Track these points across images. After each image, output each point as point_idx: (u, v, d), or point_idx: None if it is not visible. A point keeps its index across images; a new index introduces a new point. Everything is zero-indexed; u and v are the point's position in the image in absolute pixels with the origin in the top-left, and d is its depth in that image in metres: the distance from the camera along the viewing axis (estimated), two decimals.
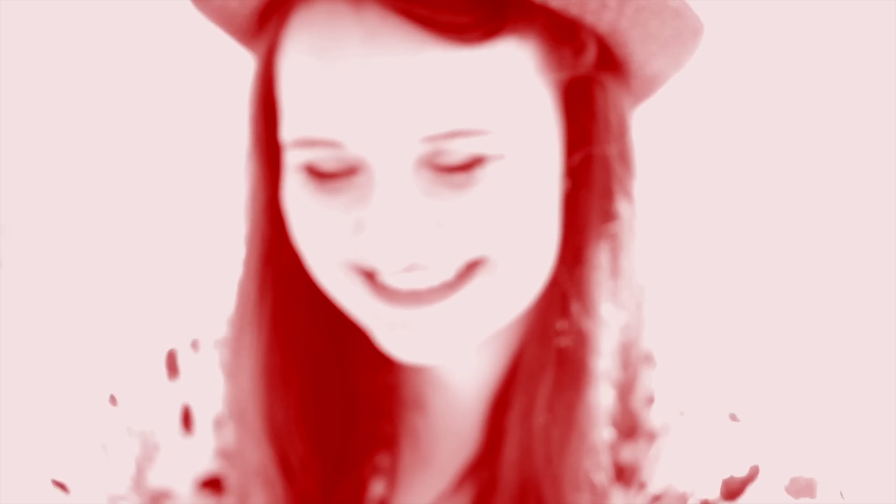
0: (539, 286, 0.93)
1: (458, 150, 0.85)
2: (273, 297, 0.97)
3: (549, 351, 0.93)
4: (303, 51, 0.85)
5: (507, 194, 0.88)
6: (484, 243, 0.89)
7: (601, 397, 0.93)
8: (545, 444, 0.94)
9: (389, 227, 0.86)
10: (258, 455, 1.01)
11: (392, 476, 1.05)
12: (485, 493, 0.98)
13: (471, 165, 0.86)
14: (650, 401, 0.97)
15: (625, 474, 0.97)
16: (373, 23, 0.83)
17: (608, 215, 0.92)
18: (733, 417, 0.95)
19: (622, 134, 0.92)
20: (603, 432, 0.94)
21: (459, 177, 0.87)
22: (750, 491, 0.91)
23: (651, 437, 0.96)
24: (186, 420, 1.09)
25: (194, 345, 1.10)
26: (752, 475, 0.92)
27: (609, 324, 0.93)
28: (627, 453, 0.97)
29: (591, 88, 0.91)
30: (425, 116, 0.84)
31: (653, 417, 0.96)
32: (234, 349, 1.00)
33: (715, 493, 0.92)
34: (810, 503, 0.91)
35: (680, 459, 0.94)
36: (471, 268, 0.90)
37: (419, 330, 0.90)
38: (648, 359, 0.98)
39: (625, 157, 0.92)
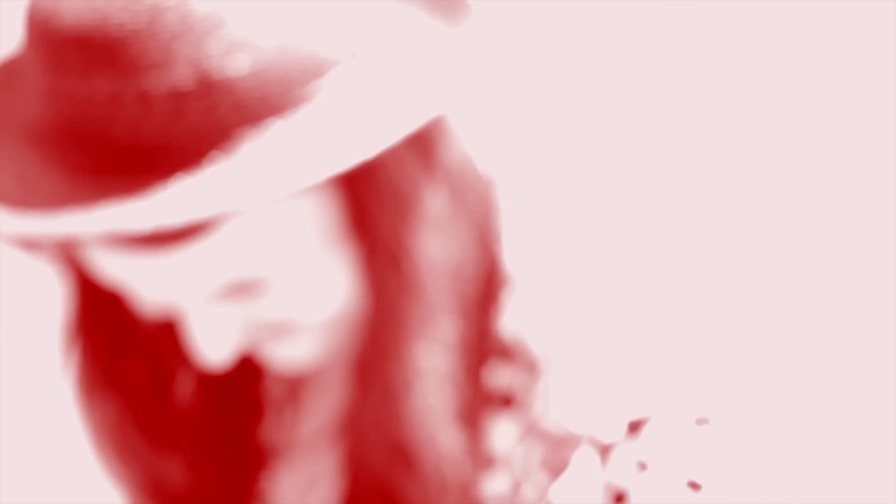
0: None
1: (241, 286, 0.93)
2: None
3: (385, 328, 0.97)
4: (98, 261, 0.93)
5: (307, 286, 0.95)
6: (291, 321, 0.97)
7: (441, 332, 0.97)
8: (379, 409, 0.98)
9: (201, 342, 0.95)
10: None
11: (281, 417, 1.11)
12: (353, 450, 1.02)
13: (257, 287, 0.94)
14: (522, 325, 0.99)
15: (505, 400, 0.99)
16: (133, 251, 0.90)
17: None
18: (630, 354, 0.97)
19: (395, 180, 0.94)
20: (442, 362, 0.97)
21: (253, 293, 0.94)
22: (648, 429, 0.94)
23: (533, 366, 0.98)
24: None
25: None
26: (650, 413, 0.94)
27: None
28: (505, 378, 0.99)
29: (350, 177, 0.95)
30: (194, 284, 0.91)
31: (531, 344, 0.98)
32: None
33: (614, 432, 0.94)
34: (706, 440, 0.94)
35: (575, 398, 0.96)
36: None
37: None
38: (511, 288, 1.00)
39: (407, 199, 0.95)
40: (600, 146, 2.42)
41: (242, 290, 0.94)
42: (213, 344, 0.95)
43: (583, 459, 0.95)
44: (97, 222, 0.84)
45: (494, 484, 0.99)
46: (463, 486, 0.98)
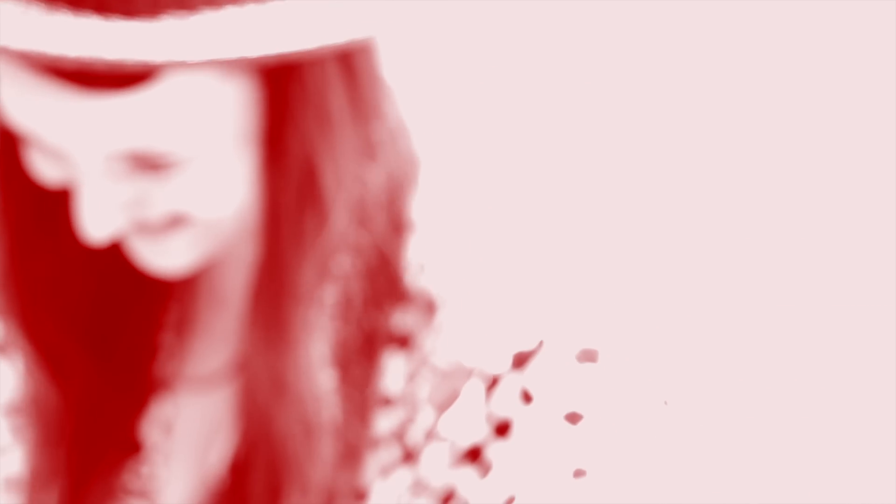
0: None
1: (144, 159, 0.92)
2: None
3: (281, 238, 0.96)
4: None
5: (207, 179, 0.94)
6: (188, 211, 0.95)
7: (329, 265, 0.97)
8: (266, 337, 0.98)
9: (84, 213, 0.93)
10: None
11: (177, 343, 1.10)
12: (243, 384, 1.02)
13: (162, 167, 0.92)
14: (422, 267, 1.01)
15: (399, 340, 1.00)
16: (49, 80, 0.89)
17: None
18: (518, 289, 0.99)
19: (319, 88, 0.94)
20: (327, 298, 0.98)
21: (155, 171, 0.93)
22: (536, 362, 0.96)
23: (429, 305, 1.00)
24: None
25: None
26: (538, 347, 0.97)
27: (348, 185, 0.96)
28: (401, 320, 1.00)
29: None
30: (102, 141, 0.90)
31: (428, 285, 1.00)
32: None
33: (501, 365, 0.97)
34: (591, 373, 0.96)
35: (465, 332, 0.99)
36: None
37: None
38: (413, 225, 1.02)
39: (323, 110, 0.94)
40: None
41: (144, 166, 0.92)
42: (97, 218, 0.93)
43: (470, 392, 0.97)
44: (44, 41, 0.85)
45: (384, 422, 1.00)
46: (341, 428, 0.99)
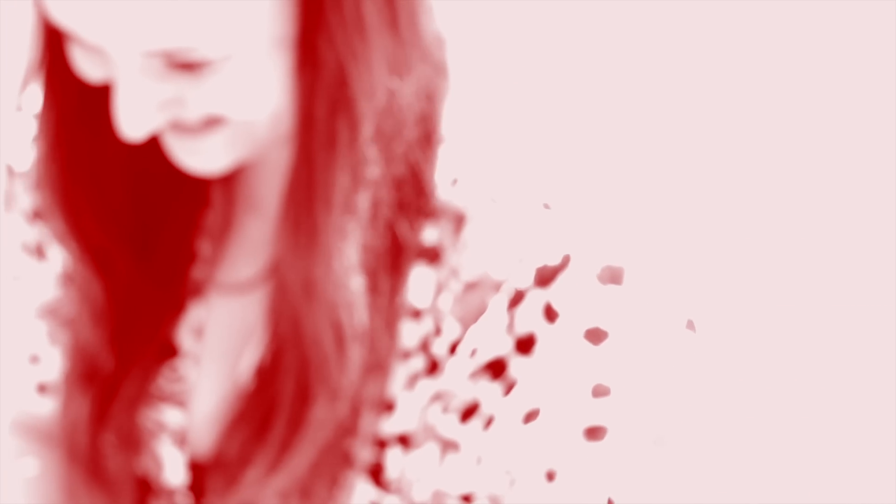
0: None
1: (182, 57, 0.93)
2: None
3: (313, 144, 0.98)
4: None
5: (242, 80, 0.94)
6: (223, 112, 0.97)
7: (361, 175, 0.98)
8: (298, 243, 0.99)
9: (122, 111, 0.95)
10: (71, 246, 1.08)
11: (213, 249, 1.12)
12: (275, 288, 1.04)
13: (198, 65, 0.93)
14: (453, 181, 1.02)
15: (428, 253, 1.02)
16: None
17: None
18: (545, 206, 1.00)
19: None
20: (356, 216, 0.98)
21: (191, 71, 0.94)
22: (561, 278, 0.97)
23: (458, 218, 1.01)
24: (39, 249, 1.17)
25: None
26: (563, 263, 0.98)
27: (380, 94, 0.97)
28: (430, 233, 1.02)
29: None
30: (138, 38, 0.91)
31: (458, 199, 1.01)
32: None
33: (527, 281, 0.98)
34: (615, 292, 0.97)
35: (492, 246, 1.00)
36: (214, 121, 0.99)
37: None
38: (444, 139, 1.03)
39: (359, 15, 0.95)
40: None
41: (179, 66, 0.93)
42: (132, 116, 0.95)
43: (495, 306, 0.99)
44: None
45: (410, 333, 1.02)
46: (369, 337, 1.01)
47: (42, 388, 1.19)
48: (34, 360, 1.18)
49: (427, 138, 1.01)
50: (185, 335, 1.11)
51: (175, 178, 1.09)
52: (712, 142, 2.43)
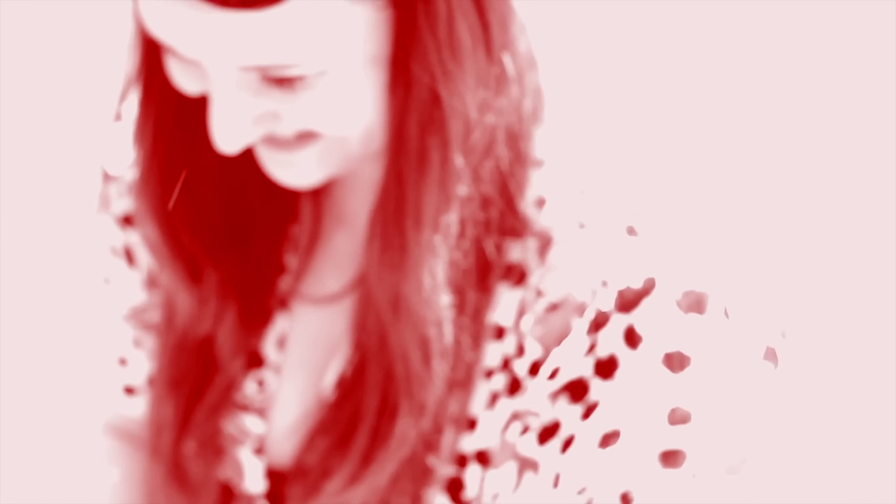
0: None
1: (277, 73, 0.94)
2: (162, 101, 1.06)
3: (405, 161, 0.98)
4: None
5: (335, 96, 0.96)
6: (316, 128, 0.98)
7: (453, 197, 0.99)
8: (387, 258, 1.00)
9: (218, 125, 0.96)
10: (162, 253, 1.09)
11: (300, 262, 1.13)
12: (362, 302, 1.06)
13: (293, 81, 0.95)
14: (540, 202, 1.03)
15: (513, 273, 1.03)
16: None
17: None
18: (631, 231, 1.00)
19: (448, 14, 0.95)
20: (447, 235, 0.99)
21: (286, 87, 0.95)
22: (644, 304, 0.98)
23: (544, 239, 1.02)
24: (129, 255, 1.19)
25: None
26: (647, 288, 0.98)
27: (473, 113, 0.97)
28: (516, 252, 1.02)
29: None
30: (234, 54, 0.92)
31: (545, 220, 1.02)
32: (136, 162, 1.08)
33: (610, 304, 0.98)
34: (697, 319, 0.98)
35: (577, 269, 1.00)
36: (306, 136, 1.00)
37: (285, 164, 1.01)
38: (535, 161, 1.03)
39: (452, 35, 0.95)
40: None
41: (274, 81, 0.95)
42: (227, 129, 0.96)
43: (577, 329, 0.99)
44: None
45: (493, 351, 1.03)
46: (454, 353, 1.02)
47: (129, 391, 1.21)
48: (122, 362, 1.20)
49: (516, 158, 1.02)
50: (268, 345, 1.13)
51: (266, 190, 1.11)
52: (803, 172, 2.43)
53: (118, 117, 1.09)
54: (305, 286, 1.12)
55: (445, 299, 1.00)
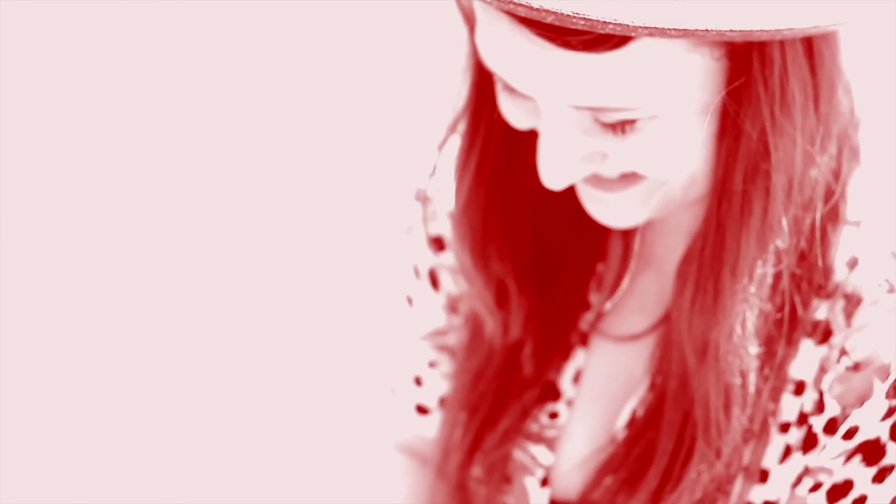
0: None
1: (610, 115, 0.95)
2: (486, 143, 1.08)
3: (726, 210, 0.99)
4: (486, 28, 0.97)
5: (663, 141, 0.96)
6: (641, 171, 0.99)
7: (766, 258, 0.99)
8: (699, 303, 1.01)
9: (547, 160, 0.98)
10: (475, 282, 1.12)
11: (605, 300, 1.14)
12: (664, 343, 1.06)
13: (624, 123, 0.96)
14: (852, 263, 1.02)
15: (818, 330, 1.02)
16: (527, 32, 0.94)
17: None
18: None
19: (782, 69, 0.95)
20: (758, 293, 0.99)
21: (616, 128, 0.96)
22: None
23: (852, 300, 1.01)
24: (433, 278, 1.21)
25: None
26: None
27: (796, 174, 0.98)
28: (822, 311, 1.02)
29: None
30: (567, 93, 0.94)
31: (855, 281, 1.01)
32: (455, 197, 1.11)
33: None
34: None
35: (884, 332, 0.99)
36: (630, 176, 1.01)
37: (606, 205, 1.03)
38: (849, 221, 1.03)
39: (784, 90, 0.96)
40: None
41: (606, 123, 0.96)
42: (556, 166, 0.98)
43: (879, 391, 0.98)
44: None
45: (790, 407, 1.02)
46: (754, 404, 1.01)
47: (421, 410, 1.23)
48: (417, 381, 1.23)
49: (832, 216, 1.02)
50: (566, 380, 1.14)
51: (577, 226, 1.12)
52: None
53: (443, 145, 1.11)
54: (606, 323, 1.13)
55: (753, 349, 1.00)
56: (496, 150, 1.08)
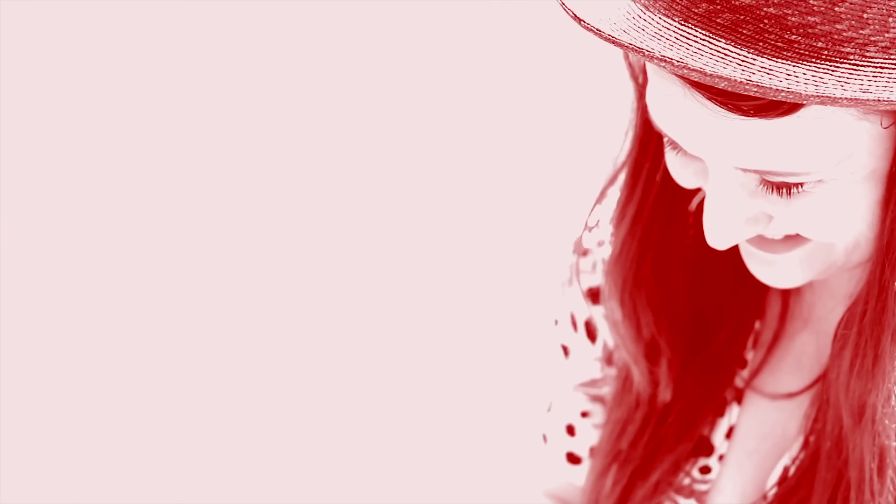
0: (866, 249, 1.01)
1: (778, 178, 0.96)
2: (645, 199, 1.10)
3: (890, 275, 0.99)
4: (657, 89, 0.98)
5: (829, 205, 0.97)
6: (806, 233, 0.99)
7: None
8: (857, 366, 1.01)
9: (712, 221, 0.98)
10: (629, 339, 1.13)
11: (762, 358, 1.14)
12: (821, 403, 1.06)
13: (790, 187, 0.96)
14: None
15: None
16: (699, 95, 0.95)
17: None
18: None
19: None
20: None
21: (783, 191, 0.97)
22: None
23: None
24: (590, 330, 1.22)
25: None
26: None
27: None
28: None
29: None
30: (735, 156, 0.95)
31: None
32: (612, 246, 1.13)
33: None
34: None
35: None
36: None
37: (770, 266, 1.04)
38: None
39: None
40: None
41: (772, 186, 0.97)
42: (720, 226, 0.99)
43: None
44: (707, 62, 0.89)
45: None
46: None
47: (572, 459, 1.24)
48: (569, 430, 1.24)
49: None
50: (718, 435, 1.14)
51: (735, 284, 1.13)
52: None
53: (601, 198, 1.13)
54: (761, 381, 1.14)
55: None
56: (654, 205, 1.09)
